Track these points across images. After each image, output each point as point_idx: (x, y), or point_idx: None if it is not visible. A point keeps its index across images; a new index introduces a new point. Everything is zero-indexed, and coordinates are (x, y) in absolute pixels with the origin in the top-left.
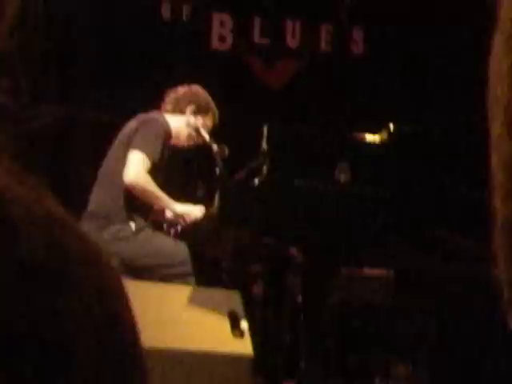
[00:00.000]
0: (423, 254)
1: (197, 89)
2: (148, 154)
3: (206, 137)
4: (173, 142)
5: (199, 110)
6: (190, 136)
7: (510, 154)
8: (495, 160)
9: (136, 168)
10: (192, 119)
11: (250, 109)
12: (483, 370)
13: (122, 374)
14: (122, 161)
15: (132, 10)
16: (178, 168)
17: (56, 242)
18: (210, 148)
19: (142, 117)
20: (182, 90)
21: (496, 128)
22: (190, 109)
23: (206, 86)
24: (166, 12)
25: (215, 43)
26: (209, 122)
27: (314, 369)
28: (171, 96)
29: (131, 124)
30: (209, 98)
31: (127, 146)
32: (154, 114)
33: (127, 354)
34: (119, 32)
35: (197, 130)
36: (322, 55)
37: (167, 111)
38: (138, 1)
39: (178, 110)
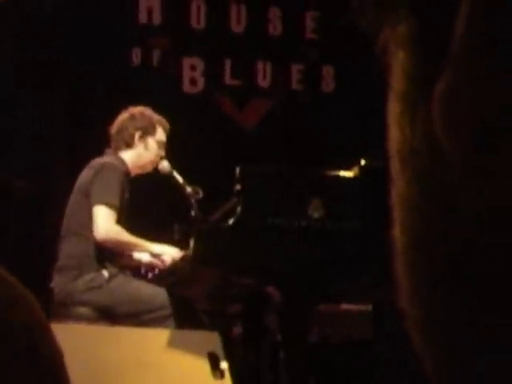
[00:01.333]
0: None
1: (133, 111)
2: (111, 205)
3: (180, 180)
4: (137, 173)
5: (146, 133)
6: (151, 162)
7: (405, 189)
8: (393, 194)
9: (104, 223)
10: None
11: (223, 150)
12: None
13: None
14: (84, 212)
15: (101, 56)
16: (153, 212)
17: None
18: (183, 190)
19: (95, 163)
20: (119, 120)
21: (394, 165)
22: (137, 137)
23: (178, 130)
24: (136, 58)
25: (186, 87)
26: (161, 136)
27: None
28: (113, 133)
29: (86, 172)
30: (147, 113)
31: (86, 197)
32: (107, 158)
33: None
34: (88, 79)
35: (169, 175)
36: (293, 94)
37: (118, 148)
38: (107, 47)
39: (125, 144)
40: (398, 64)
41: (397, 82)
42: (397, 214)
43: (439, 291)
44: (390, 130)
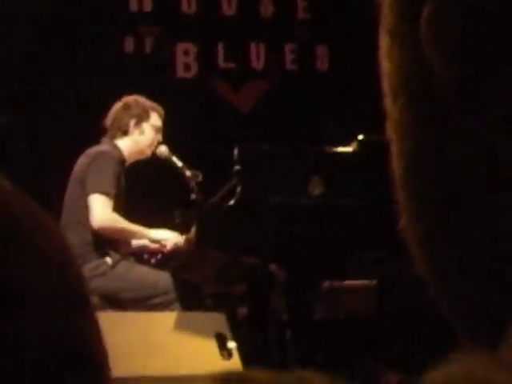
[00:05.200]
0: (404, 261)
1: (126, 100)
2: (107, 193)
3: (179, 164)
4: (135, 159)
5: (141, 119)
6: (148, 147)
7: (398, 117)
8: (388, 127)
9: (100, 212)
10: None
11: (220, 133)
12: None
13: (67, 314)
14: (81, 201)
15: (94, 46)
16: (153, 197)
17: (3, 204)
18: (183, 174)
19: (91, 152)
20: (113, 110)
21: (387, 101)
22: (132, 124)
23: (173, 115)
24: (129, 46)
25: (181, 72)
26: (156, 121)
27: None
28: (108, 125)
29: (82, 160)
30: (142, 100)
31: (82, 185)
32: (102, 146)
33: (73, 298)
34: (82, 68)
35: (168, 159)
36: (287, 74)
37: (114, 137)
38: (99, 37)
39: (121, 132)
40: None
41: (386, 16)
42: (393, 144)
43: (438, 219)
44: (381, 67)
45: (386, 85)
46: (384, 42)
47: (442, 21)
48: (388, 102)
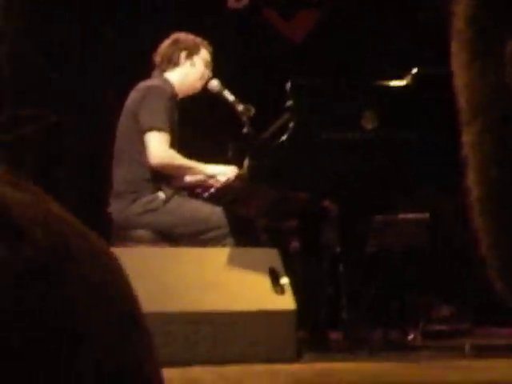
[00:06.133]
0: (456, 195)
1: (176, 36)
2: (163, 129)
3: (231, 98)
4: (186, 93)
5: (191, 52)
6: (199, 80)
7: (478, 139)
8: (465, 144)
9: (158, 149)
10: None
11: (272, 64)
12: None
13: (124, 340)
14: (134, 135)
15: None
16: (206, 132)
17: (57, 239)
18: (235, 108)
19: (142, 86)
20: (163, 46)
21: (464, 115)
22: (183, 56)
23: (225, 46)
24: None
25: (231, 2)
26: (206, 55)
27: (358, 317)
28: (158, 57)
29: (133, 95)
30: (191, 36)
31: (135, 119)
32: (153, 80)
33: (127, 324)
34: (131, 3)
35: (220, 93)
36: (340, 2)
37: (165, 70)
38: None
39: (173, 63)
40: (465, 11)
41: (464, 28)
42: (471, 164)
43: None
44: (457, 78)
45: (462, 100)
46: (461, 55)
47: None
48: (464, 117)
